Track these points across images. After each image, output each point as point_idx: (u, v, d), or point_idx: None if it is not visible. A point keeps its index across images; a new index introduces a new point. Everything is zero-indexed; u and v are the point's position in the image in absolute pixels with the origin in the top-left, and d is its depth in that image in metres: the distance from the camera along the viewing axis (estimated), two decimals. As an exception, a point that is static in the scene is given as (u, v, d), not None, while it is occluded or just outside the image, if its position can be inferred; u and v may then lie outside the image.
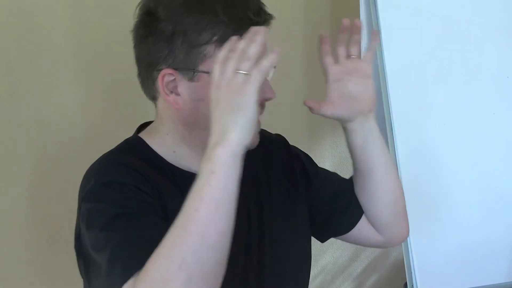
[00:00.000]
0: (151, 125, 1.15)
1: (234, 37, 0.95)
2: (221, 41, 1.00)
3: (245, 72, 0.90)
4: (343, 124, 1.18)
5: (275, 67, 1.09)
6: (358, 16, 1.68)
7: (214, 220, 0.88)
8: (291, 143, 1.27)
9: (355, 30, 1.13)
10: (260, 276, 1.12)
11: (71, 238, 1.42)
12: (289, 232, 1.18)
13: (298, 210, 1.22)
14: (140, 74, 1.10)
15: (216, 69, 0.92)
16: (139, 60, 1.09)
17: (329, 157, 2.02)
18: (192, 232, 0.86)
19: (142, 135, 1.14)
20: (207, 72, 1.01)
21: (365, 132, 1.17)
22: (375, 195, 1.22)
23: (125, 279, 0.89)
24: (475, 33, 1.67)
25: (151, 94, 1.10)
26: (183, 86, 1.04)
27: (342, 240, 1.29)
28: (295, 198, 1.22)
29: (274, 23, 1.06)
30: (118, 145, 1.13)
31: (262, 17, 1.04)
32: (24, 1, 1.56)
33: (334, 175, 1.34)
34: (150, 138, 1.12)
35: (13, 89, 1.57)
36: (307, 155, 1.30)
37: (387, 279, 2.17)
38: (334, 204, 1.25)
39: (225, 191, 0.89)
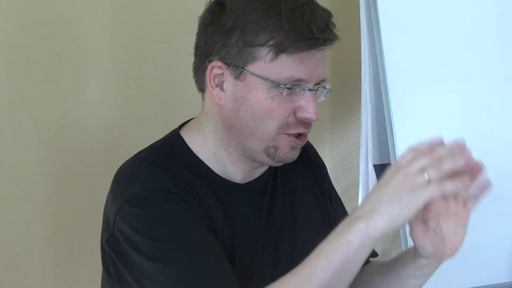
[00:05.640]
0: (195, 119, 1.13)
1: (442, 139, 0.91)
2: (276, 47, 0.99)
3: (428, 178, 0.86)
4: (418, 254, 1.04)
5: (330, 90, 1.08)
6: (358, 16, 1.68)
7: (335, 285, 0.89)
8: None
9: (475, 171, 0.97)
10: None
11: (70, 238, 1.43)
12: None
13: (327, 220, 1.20)
14: (194, 63, 1.09)
15: (408, 154, 0.89)
16: (196, 48, 1.08)
17: (329, 157, 2.02)
18: None
19: (183, 132, 1.11)
20: (254, 74, 1.00)
21: (426, 271, 1.06)
22: None
23: None
24: (475, 33, 1.67)
25: (200, 84, 1.09)
26: (229, 82, 1.03)
27: None
28: (326, 209, 1.21)
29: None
30: (155, 143, 1.11)
31: (324, 35, 1.00)
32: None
33: (343, 210, 1.30)
34: (191, 137, 1.10)
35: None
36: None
37: (387, 279, 2.16)
38: None
39: (354, 263, 0.89)
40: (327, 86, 1.08)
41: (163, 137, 1.13)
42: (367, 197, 0.90)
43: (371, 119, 1.71)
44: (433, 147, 0.89)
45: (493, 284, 1.65)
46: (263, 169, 1.13)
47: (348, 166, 2.06)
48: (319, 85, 1.05)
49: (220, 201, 1.06)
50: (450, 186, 0.86)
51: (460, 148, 0.89)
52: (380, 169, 1.75)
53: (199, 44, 1.07)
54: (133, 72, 1.69)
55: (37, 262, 1.61)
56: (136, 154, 1.09)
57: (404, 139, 1.62)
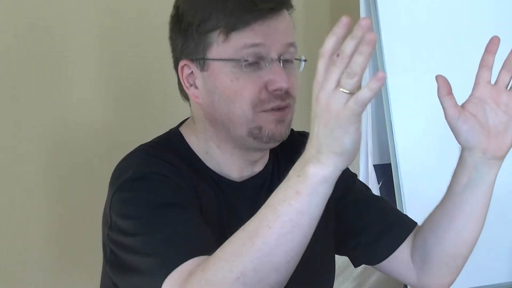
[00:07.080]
0: (190, 119, 1.12)
1: (339, 29, 0.78)
2: (225, 28, 0.99)
3: (347, 92, 0.73)
4: (461, 147, 0.97)
5: (305, 60, 1.07)
6: (358, 16, 1.68)
7: (285, 243, 0.79)
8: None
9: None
10: None
11: (70, 238, 1.42)
12: (319, 250, 1.06)
13: (329, 225, 1.16)
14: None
15: (317, 76, 0.76)
16: (172, 58, 1.09)
17: (329, 157, 2.02)
18: (259, 249, 0.79)
19: (182, 129, 1.11)
20: (214, 59, 1.01)
21: (476, 176, 0.97)
22: (456, 229, 1.05)
23: (173, 268, 0.86)
24: (475, 33, 1.67)
25: (183, 92, 1.09)
26: (199, 77, 1.04)
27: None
28: (329, 213, 1.19)
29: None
30: (156, 138, 1.11)
31: (269, 4, 0.98)
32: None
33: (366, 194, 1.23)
34: (189, 134, 1.10)
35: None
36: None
37: (387, 279, 2.16)
38: (368, 227, 1.16)
39: (306, 216, 0.79)
40: (302, 57, 1.07)
41: (163, 134, 1.13)
42: (312, 131, 0.78)
43: (371, 119, 1.72)
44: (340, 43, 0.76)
45: (493, 284, 1.65)
46: (261, 165, 1.12)
47: (348, 166, 2.06)
48: (289, 59, 1.03)
49: (216, 196, 1.05)
50: (374, 85, 0.71)
51: (362, 27, 0.75)
52: (380, 169, 1.75)
53: (172, 53, 1.08)
54: (133, 72, 1.69)
55: (37, 262, 1.61)
56: (135, 148, 1.10)
57: (404, 139, 1.62)
